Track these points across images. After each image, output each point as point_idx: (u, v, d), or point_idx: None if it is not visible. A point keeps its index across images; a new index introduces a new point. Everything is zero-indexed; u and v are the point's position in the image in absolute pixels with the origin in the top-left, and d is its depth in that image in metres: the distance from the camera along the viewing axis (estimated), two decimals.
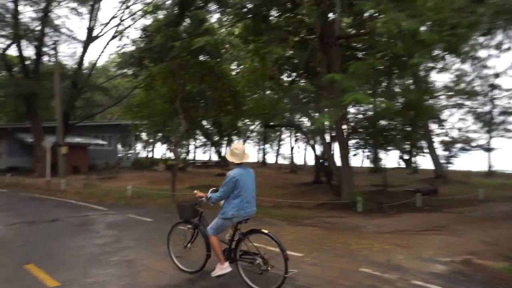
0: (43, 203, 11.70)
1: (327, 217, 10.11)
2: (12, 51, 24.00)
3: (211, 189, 4.62)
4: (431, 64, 13.79)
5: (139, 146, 52.67)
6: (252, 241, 4.30)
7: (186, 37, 16.83)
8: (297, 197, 13.76)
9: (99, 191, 15.06)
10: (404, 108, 10.97)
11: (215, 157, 61.83)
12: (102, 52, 23.85)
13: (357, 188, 13.40)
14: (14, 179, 17.98)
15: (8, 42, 21.29)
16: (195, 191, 4.72)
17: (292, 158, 35.71)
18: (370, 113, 13.59)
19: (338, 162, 13.63)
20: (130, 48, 28.63)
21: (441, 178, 20.93)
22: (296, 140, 39.73)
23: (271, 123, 29.89)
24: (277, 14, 15.77)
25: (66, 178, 16.88)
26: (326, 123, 8.77)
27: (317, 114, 13.34)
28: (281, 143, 58.68)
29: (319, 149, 21.92)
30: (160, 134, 50.38)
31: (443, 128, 24.66)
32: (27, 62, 21.60)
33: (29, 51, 25.87)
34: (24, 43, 20.94)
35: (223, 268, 4.22)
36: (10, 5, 19.22)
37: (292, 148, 35.24)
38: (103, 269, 4.94)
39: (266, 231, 4.14)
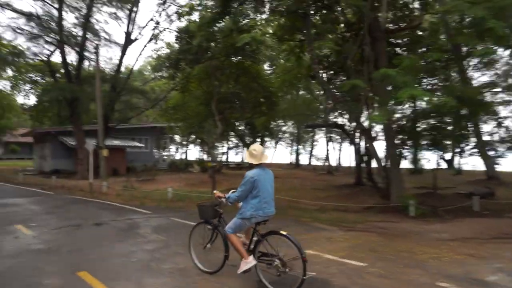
0: (87, 205, 11.81)
1: (378, 222, 9.47)
2: (56, 57, 25.21)
3: (231, 190, 4.61)
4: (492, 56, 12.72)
5: (173, 148, 53.53)
6: (270, 242, 4.27)
7: (227, 35, 16.60)
8: (341, 200, 13.14)
9: (139, 193, 15.11)
10: (459, 104, 10.12)
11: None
12: (140, 55, 24.22)
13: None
14: (59, 181, 18.48)
15: (53, 48, 22.13)
16: (215, 191, 4.83)
17: (327, 159, 34.73)
18: (415, 110, 12.84)
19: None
20: (166, 51, 29.14)
21: (494, 180, 19.45)
22: (331, 141, 38.68)
23: (311, 123, 29.15)
24: (313, 11, 15.25)
25: (106, 181, 17.15)
26: (379, 121, 8.14)
27: (365, 112, 12.74)
28: (314, 144, 57.77)
29: (359, 149, 20.97)
30: (193, 136, 51.01)
31: (500, 126, 22.95)
32: (70, 68, 22.30)
33: (71, 57, 26.80)
34: (67, 49, 21.66)
35: (248, 262, 4.21)
36: (55, 12, 19.91)
37: (327, 149, 34.20)
38: (157, 278, 4.67)
39: (284, 233, 4.11)
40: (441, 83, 10.41)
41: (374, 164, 19.45)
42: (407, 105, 13.33)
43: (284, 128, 51.92)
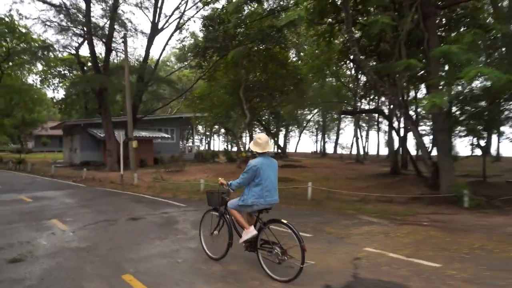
0: (119, 198, 11.55)
1: (430, 214, 8.70)
2: (84, 50, 25.37)
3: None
4: None
5: (198, 139, 53.61)
6: (272, 230, 4.33)
7: (256, 19, 15.91)
8: (382, 190, 12.34)
9: (170, 185, 14.81)
10: None
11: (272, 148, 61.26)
12: (166, 44, 23.77)
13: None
14: (90, 173, 18.46)
15: (81, 40, 22.06)
16: (219, 179, 4.88)
17: (357, 147, 33.62)
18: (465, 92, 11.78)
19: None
20: (190, 41, 28.68)
21: None
22: (359, 129, 37.47)
23: (348, 110, 28.13)
24: None
25: (134, 172, 16.97)
26: (440, 105, 7.29)
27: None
28: (340, 132, 56.47)
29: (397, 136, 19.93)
30: (216, 127, 50.73)
31: None
32: (97, 60, 22.18)
33: (98, 49, 26.70)
34: (95, 40, 21.52)
35: (249, 232, 4.36)
36: (82, 4, 19.76)
37: (356, 137, 33.06)
38: (210, 283, 4.17)
39: (285, 221, 4.15)
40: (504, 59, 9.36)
41: (409, 152, 18.45)
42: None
43: (308, 117, 50.98)
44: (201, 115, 29.74)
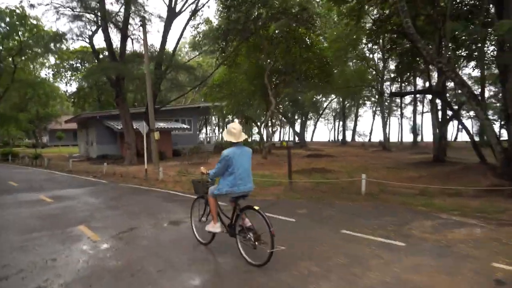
0: (148, 196, 10.37)
1: None
2: (97, 39, 24.16)
3: None
4: None
5: (217, 129, 52.41)
6: (249, 217, 4.50)
7: None
8: (441, 181, 10.93)
9: (192, 177, 13.63)
10: None
11: (285, 137, 59.83)
12: (184, 29, 22.26)
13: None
14: (109, 168, 17.39)
15: (94, 28, 20.84)
16: (201, 168, 5.11)
17: (384, 134, 31.87)
18: None
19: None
20: (204, 28, 27.19)
21: None
22: (388, 115, 35.72)
23: (397, 91, 26.46)
24: None
25: (157, 165, 15.84)
26: None
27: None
28: (358, 119, 54.73)
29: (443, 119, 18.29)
30: (229, 117, 49.36)
31: None
32: (112, 48, 20.93)
33: (113, 36, 25.40)
34: (110, 27, 20.26)
35: (215, 227, 4.69)
36: None
37: (383, 124, 31.34)
38: None
39: (257, 208, 4.29)
40: None
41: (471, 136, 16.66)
42: None
43: (325, 104, 49.26)
44: (219, 104, 28.47)
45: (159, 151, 23.48)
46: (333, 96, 42.61)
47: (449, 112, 17.43)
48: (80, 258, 4.83)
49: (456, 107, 18.22)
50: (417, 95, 34.49)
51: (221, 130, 63.36)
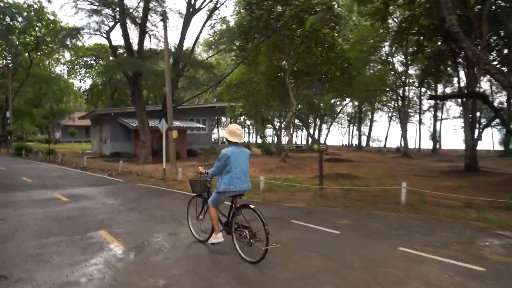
0: (169, 199, 9.70)
1: None
2: (115, 35, 23.75)
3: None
4: None
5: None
6: (245, 215, 4.57)
7: None
8: (485, 192, 10.07)
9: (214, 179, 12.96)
10: None
11: (300, 141, 58.90)
12: (203, 26, 21.61)
13: None
14: (124, 166, 16.82)
15: (112, 23, 20.38)
16: (200, 167, 5.35)
17: (404, 140, 30.73)
18: None
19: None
20: (222, 26, 26.62)
21: None
22: (402, 120, 34.64)
23: (437, 94, 25.51)
24: None
25: (175, 165, 15.21)
26: None
27: None
28: (372, 124, 53.55)
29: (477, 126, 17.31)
30: (241, 118, 48.65)
31: None
32: (130, 44, 20.40)
33: (131, 33, 24.87)
34: (128, 23, 19.78)
35: (217, 237, 4.78)
36: None
37: (404, 129, 30.22)
38: None
39: (252, 206, 4.42)
40: None
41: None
42: None
43: (339, 108, 48.25)
44: (235, 104, 27.85)
45: (176, 150, 22.99)
46: (348, 99, 41.73)
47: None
48: (105, 273, 4.14)
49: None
50: (438, 101, 33.40)
51: (248, 130, 62.55)
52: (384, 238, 5.74)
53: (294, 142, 30.53)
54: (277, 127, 28.45)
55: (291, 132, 20.06)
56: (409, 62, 26.64)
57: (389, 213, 7.85)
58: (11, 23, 33.28)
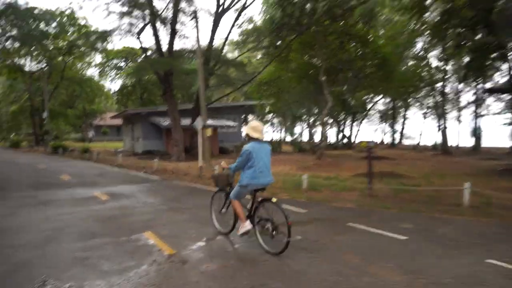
0: (210, 197, 9.28)
1: None
2: (144, 36, 23.80)
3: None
4: None
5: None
6: (267, 208, 4.66)
7: None
8: None
9: None
10: None
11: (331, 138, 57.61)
12: (233, 24, 21.11)
13: None
14: (159, 164, 16.65)
15: (142, 24, 20.35)
16: (222, 162, 5.49)
17: (443, 137, 29.18)
18: None
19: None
20: (248, 26, 26.09)
21: None
22: (441, 116, 32.97)
23: (493, 87, 24.15)
24: None
25: (210, 163, 14.85)
26: None
27: None
28: (405, 121, 51.52)
29: None
30: (268, 116, 47.98)
31: None
32: (160, 44, 20.27)
33: (161, 33, 24.85)
34: (157, 24, 19.67)
35: (245, 226, 4.78)
36: None
37: (444, 126, 28.65)
38: None
39: (274, 200, 4.52)
40: None
41: None
42: None
43: (369, 105, 46.72)
44: (265, 102, 27.35)
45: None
46: (379, 96, 40.31)
47: None
48: (162, 283, 3.71)
49: None
50: (486, 95, 31.51)
51: (275, 128, 61.96)
52: (464, 247, 5.03)
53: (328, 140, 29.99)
54: (309, 125, 27.73)
55: (325, 129, 19.39)
56: (447, 57, 25.18)
57: (454, 217, 7.08)
58: (45, 29, 34.31)
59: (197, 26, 15.77)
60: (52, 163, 20.36)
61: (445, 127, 28.31)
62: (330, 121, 35.93)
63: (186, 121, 22.60)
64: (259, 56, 26.26)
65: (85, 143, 39.27)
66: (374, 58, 20.52)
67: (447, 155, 26.47)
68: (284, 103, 24.55)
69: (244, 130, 5.11)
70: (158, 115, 26.42)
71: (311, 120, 28.92)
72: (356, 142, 38.42)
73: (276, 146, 27.53)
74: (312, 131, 25.72)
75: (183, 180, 12.55)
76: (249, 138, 4.81)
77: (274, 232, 4.49)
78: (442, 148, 28.84)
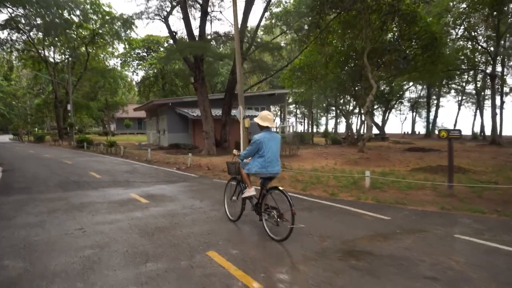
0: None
1: None
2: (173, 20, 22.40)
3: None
4: None
5: (291, 119, 50.07)
6: (274, 197, 4.82)
7: None
8: None
9: (301, 174, 11.16)
10: None
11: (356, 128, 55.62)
12: (268, 4, 19.36)
13: None
14: (193, 159, 15.47)
15: (169, 8, 19.05)
16: (234, 150, 5.80)
17: (493, 126, 26.82)
18: None
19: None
20: (278, 8, 24.43)
21: None
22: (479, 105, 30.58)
23: None
24: None
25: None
26: None
27: None
28: (438, 110, 48.91)
29: None
30: (291, 107, 46.18)
31: None
32: (191, 26, 18.91)
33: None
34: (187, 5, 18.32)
35: (249, 191, 5.12)
36: None
37: (494, 113, 26.30)
38: None
39: (281, 188, 4.67)
40: None
41: None
42: None
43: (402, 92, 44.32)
44: (297, 90, 25.78)
45: (236, 141, 21.52)
46: (410, 83, 37.97)
47: None
48: None
49: None
50: None
51: (298, 119, 60.23)
52: None
53: (355, 130, 27.99)
54: (346, 114, 26.03)
55: (369, 118, 17.76)
56: (498, 35, 22.83)
57: None
58: (68, 17, 33.56)
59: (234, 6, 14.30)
60: (78, 158, 19.53)
61: (495, 114, 25.95)
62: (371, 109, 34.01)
63: (216, 112, 21.39)
64: (289, 40, 24.55)
65: (108, 136, 38.69)
66: (422, 38, 18.62)
67: (495, 145, 24.35)
68: (318, 90, 22.87)
69: (255, 120, 5.11)
70: (185, 105, 25.29)
71: (349, 108, 27.16)
72: (386, 132, 36.37)
73: (308, 137, 26.00)
74: (350, 121, 23.99)
75: (224, 178, 11.29)
76: (260, 128, 4.94)
77: (279, 220, 4.63)
78: (492, 138, 26.49)
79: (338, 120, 47.96)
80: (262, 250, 4.51)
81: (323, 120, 54.79)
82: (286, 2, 24.57)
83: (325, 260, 4.13)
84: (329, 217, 6.35)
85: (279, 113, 39.16)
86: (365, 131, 24.18)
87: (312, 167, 13.31)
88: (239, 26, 19.04)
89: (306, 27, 19.23)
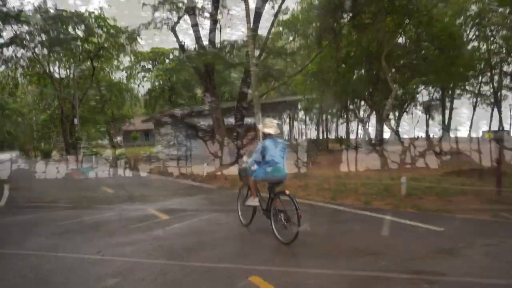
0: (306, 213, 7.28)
1: None
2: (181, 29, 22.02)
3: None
4: None
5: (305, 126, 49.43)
6: (282, 201, 4.96)
7: None
8: None
9: (327, 182, 10.44)
10: None
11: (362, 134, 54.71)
12: (278, 12, 18.81)
13: None
14: (203, 169, 14.88)
15: (176, 17, 18.64)
16: (244, 157, 6.54)
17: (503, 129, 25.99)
18: None
19: None
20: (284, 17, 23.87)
21: None
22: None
23: None
24: None
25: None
26: None
27: None
28: (451, 113, 47.78)
29: None
30: (300, 113, 45.38)
31: None
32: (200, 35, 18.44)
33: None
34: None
35: (253, 201, 5.30)
36: None
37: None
38: None
39: (287, 192, 4.89)
40: None
41: None
42: None
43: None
44: (310, 96, 25.23)
45: (251, 150, 20.88)
46: (422, 86, 37.22)
47: None
48: None
49: None
50: None
51: (309, 126, 59.23)
52: None
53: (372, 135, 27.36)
54: (361, 119, 25.38)
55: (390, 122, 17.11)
56: None
57: None
58: (73, 32, 33.48)
59: (246, 8, 13.77)
60: (88, 172, 19.00)
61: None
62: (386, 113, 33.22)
63: (225, 121, 20.84)
64: (302, 46, 24.03)
65: (115, 149, 38.29)
66: (439, 39, 17.99)
67: None
68: (330, 95, 22.21)
69: (259, 128, 5.07)
70: (194, 116, 24.84)
71: (364, 114, 26.39)
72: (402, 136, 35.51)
73: (322, 143, 25.34)
74: (366, 126, 23.32)
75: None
76: (265, 135, 5.17)
77: (287, 223, 4.71)
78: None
79: (350, 125, 47.20)
80: (313, 274, 3.81)
81: (333, 126, 54.00)
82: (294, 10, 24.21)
83: (392, 285, 3.43)
84: (372, 229, 5.66)
85: (289, 121, 38.60)
86: (386, 136, 23.57)
87: (335, 174, 12.59)
88: (251, 26, 18.68)
89: (314, 34, 18.74)
